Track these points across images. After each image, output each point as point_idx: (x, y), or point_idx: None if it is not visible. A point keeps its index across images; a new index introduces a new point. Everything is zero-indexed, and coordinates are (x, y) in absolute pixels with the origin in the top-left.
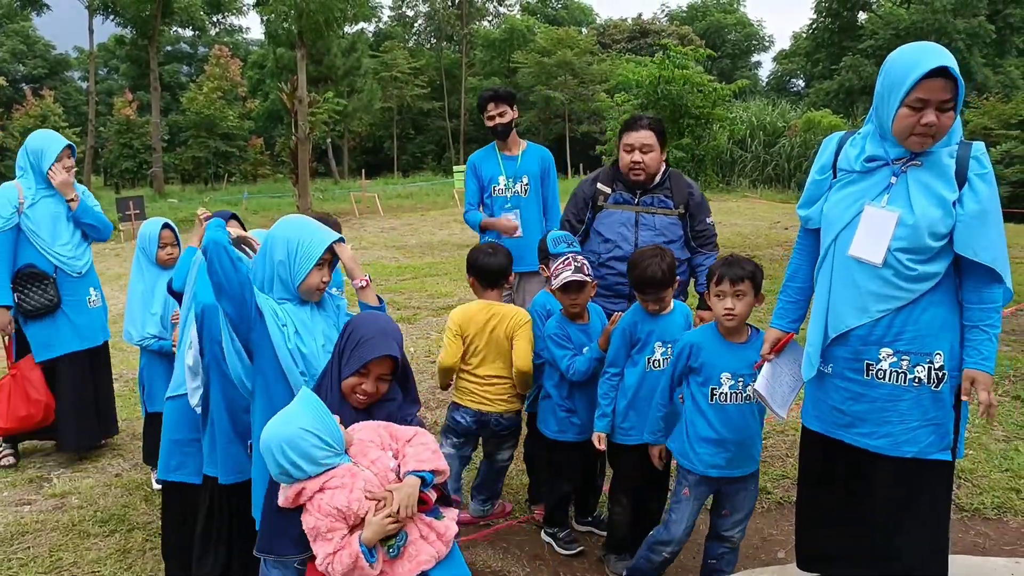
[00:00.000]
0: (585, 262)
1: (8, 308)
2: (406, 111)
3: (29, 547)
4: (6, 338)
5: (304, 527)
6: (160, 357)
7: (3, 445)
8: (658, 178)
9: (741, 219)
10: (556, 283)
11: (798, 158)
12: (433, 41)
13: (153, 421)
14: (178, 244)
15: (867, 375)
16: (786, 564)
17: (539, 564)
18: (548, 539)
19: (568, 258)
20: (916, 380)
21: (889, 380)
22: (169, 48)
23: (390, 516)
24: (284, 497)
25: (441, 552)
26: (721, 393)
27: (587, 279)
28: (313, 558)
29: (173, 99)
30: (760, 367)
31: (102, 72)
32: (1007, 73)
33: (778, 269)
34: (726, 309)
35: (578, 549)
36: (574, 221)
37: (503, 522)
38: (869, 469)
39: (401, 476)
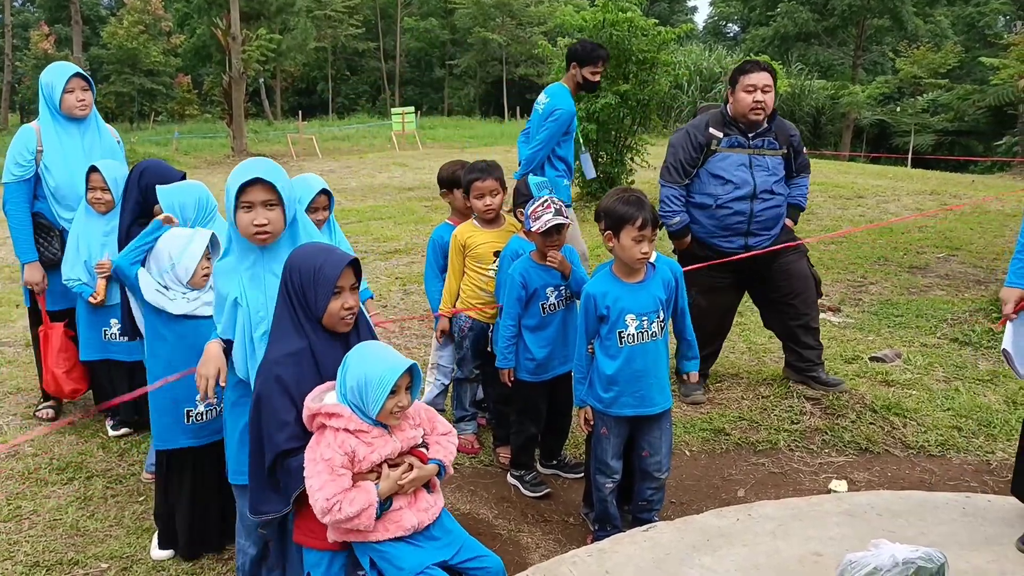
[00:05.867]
0: (561, 204)
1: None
2: (340, 51)
3: None
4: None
5: (311, 456)
6: (85, 304)
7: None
8: (765, 121)
9: None
10: (537, 226)
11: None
12: None
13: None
14: (108, 188)
15: None
16: (751, 503)
17: (506, 506)
18: (515, 482)
19: (547, 200)
20: None
21: None
22: None
23: (402, 482)
24: (307, 409)
25: (423, 522)
26: (628, 335)
27: (567, 221)
28: (300, 506)
29: (93, 33)
30: (1003, 325)
31: (16, 4)
32: (937, 23)
33: None
34: (643, 253)
35: (545, 491)
36: (687, 166)
37: (469, 465)
38: None
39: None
